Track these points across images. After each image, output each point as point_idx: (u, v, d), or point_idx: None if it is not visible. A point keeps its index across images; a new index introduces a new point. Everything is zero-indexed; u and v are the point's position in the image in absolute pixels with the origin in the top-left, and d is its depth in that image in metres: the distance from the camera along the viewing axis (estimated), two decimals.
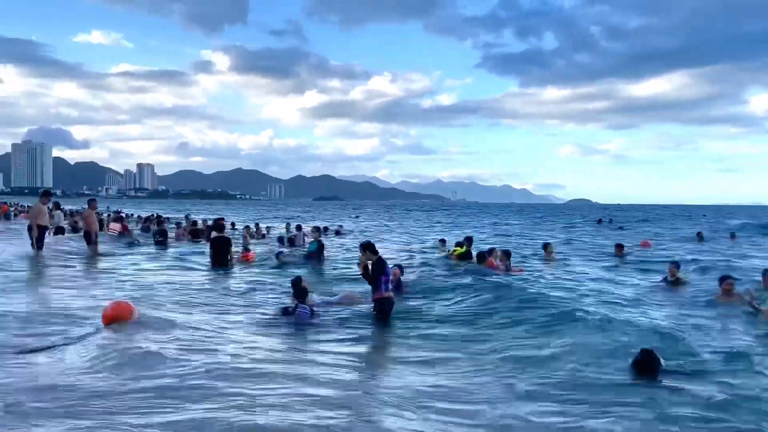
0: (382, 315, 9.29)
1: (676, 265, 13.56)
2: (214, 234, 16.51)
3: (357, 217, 62.15)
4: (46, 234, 16.51)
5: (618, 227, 44.18)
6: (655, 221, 58.83)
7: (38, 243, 15.21)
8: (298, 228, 23.93)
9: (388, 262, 10.32)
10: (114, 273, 13.76)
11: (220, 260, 15.04)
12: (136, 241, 21.81)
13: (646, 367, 5.83)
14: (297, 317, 8.97)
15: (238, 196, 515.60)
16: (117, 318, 7.63)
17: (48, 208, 16.91)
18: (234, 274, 14.33)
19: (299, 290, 9.75)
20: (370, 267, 9.61)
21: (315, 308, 9.45)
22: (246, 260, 16.41)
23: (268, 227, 30.62)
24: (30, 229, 15.63)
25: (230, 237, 17.17)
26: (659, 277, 13.56)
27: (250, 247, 18.52)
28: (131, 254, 18.22)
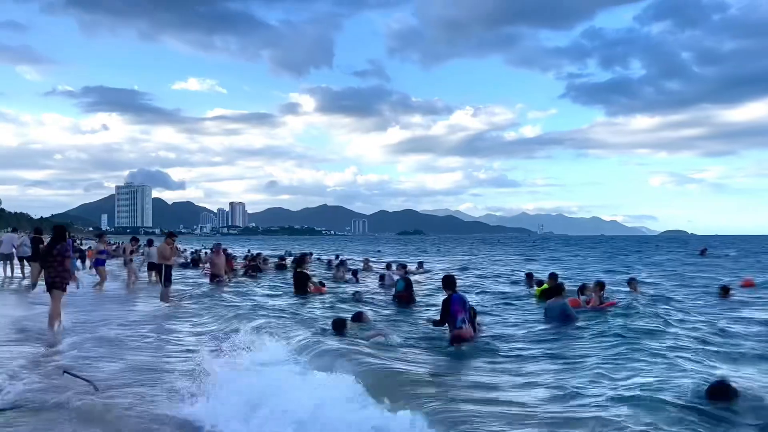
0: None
1: None
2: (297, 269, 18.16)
3: (438, 250, 61.69)
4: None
5: (724, 254, 42.62)
6: (759, 254, 55.30)
7: (166, 281, 16.24)
8: (387, 267, 23.27)
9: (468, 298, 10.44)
10: (228, 307, 14.68)
11: (300, 290, 16.90)
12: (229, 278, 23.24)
13: (721, 393, 5.85)
14: None
15: (324, 232, 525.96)
16: None
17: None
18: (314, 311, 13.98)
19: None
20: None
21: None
22: (319, 292, 17.17)
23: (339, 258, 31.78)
24: (160, 267, 16.65)
25: (309, 272, 18.71)
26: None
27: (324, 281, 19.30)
28: (237, 289, 19.07)
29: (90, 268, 21.57)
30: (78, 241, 43.45)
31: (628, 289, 16.85)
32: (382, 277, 20.63)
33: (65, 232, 11.52)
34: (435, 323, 10.17)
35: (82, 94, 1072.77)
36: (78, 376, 6.90)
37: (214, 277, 19.23)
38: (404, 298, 15.22)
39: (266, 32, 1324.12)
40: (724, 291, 16.92)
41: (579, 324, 11.35)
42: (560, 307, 11.92)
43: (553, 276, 16.36)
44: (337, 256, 34.33)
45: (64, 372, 7.03)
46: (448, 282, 10.09)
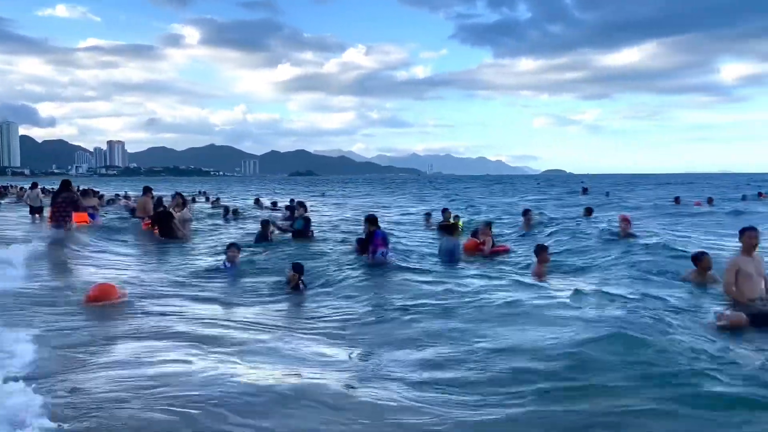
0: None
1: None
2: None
3: (323, 195, 59.50)
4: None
5: (605, 193, 45.75)
6: (633, 191, 59.52)
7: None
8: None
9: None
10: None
11: (166, 233, 16.06)
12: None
13: None
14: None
15: (212, 173, 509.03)
16: (99, 299, 8.01)
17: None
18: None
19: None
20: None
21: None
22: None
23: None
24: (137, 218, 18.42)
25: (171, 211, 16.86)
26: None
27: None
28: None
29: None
30: None
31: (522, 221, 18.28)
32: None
33: (70, 184, 15.34)
34: (359, 251, 11.78)
35: None
36: None
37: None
38: (303, 236, 15.56)
39: None
40: (588, 211, 20.68)
41: None
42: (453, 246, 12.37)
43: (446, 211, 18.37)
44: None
45: None
46: (372, 219, 11.63)
